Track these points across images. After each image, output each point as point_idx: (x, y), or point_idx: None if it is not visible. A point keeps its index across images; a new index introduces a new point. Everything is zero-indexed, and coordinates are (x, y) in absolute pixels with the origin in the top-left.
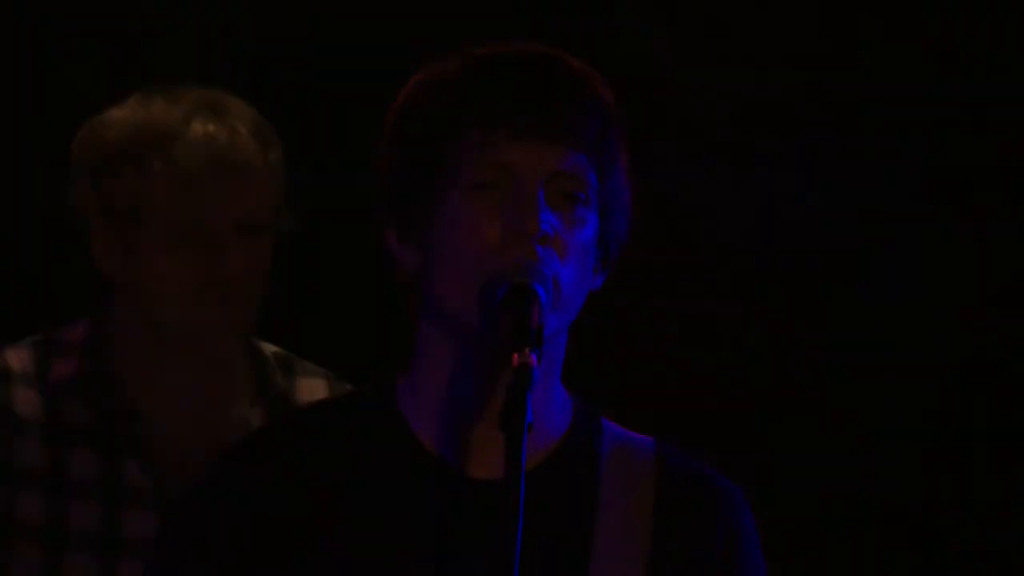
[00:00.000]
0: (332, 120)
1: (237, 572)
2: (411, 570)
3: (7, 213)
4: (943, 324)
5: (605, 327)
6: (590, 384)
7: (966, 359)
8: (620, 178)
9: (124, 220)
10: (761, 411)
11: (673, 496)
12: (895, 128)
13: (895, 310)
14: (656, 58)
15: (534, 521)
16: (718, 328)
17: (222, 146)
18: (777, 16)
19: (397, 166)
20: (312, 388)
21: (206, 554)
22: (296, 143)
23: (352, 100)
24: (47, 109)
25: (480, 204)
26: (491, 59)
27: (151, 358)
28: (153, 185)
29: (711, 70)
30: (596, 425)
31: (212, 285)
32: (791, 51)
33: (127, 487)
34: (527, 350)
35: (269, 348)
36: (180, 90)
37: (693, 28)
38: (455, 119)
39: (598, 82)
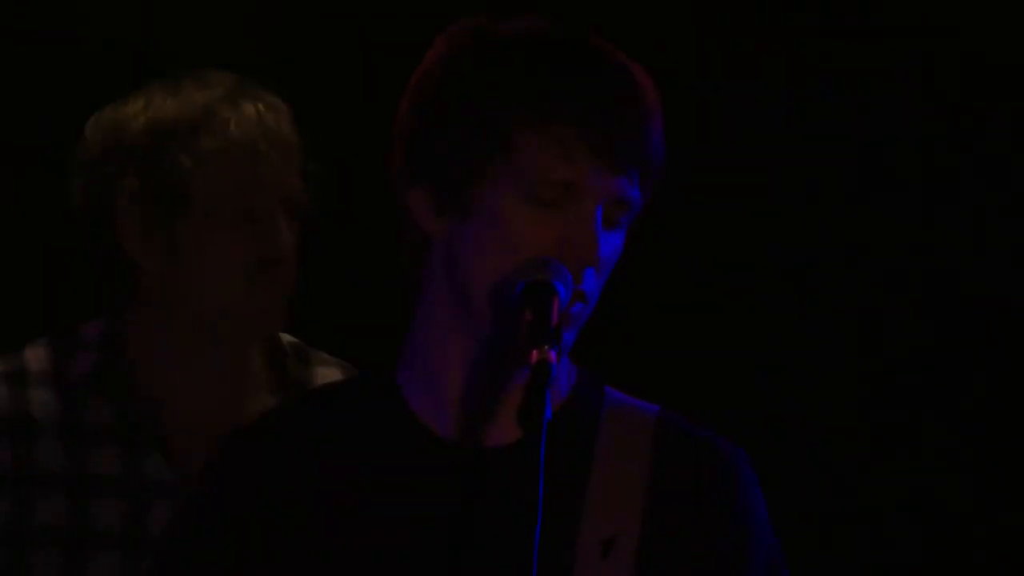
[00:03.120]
0: (337, 103)
1: (248, 549)
2: (419, 544)
3: (16, 212)
4: None
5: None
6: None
7: None
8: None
9: (169, 204)
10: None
11: (670, 458)
12: None
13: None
14: None
15: (526, 483)
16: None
17: (271, 124)
18: None
19: (444, 133)
20: (328, 376)
21: (218, 531)
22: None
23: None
24: (59, 106)
25: (536, 214)
26: (570, 52)
27: (171, 352)
28: (203, 163)
29: None
30: (598, 392)
31: (263, 264)
32: None
33: (150, 482)
34: (547, 347)
35: (285, 338)
36: (206, 75)
37: None
38: (514, 113)
39: (656, 99)
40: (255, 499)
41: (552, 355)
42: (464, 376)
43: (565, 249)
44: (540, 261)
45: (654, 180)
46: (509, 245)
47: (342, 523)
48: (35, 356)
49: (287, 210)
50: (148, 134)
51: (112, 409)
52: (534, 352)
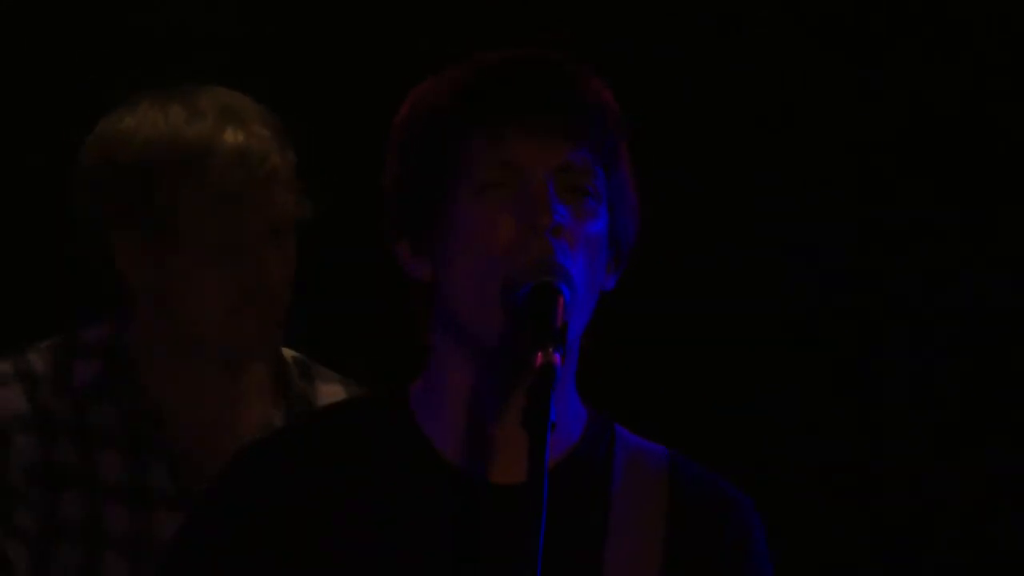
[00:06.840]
0: (345, 128)
1: (253, 568)
2: (425, 572)
3: (19, 215)
4: None
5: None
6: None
7: None
8: (625, 177)
9: (156, 234)
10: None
11: (686, 505)
12: None
13: None
14: None
15: (547, 525)
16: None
17: (254, 156)
18: None
19: (406, 176)
20: (330, 393)
21: (224, 550)
22: (313, 148)
23: (363, 105)
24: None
25: (490, 203)
26: (494, 63)
27: (171, 364)
28: (190, 200)
29: None
30: (609, 433)
31: (253, 294)
32: None
33: (154, 489)
34: (551, 349)
35: (288, 352)
36: (196, 95)
37: None
38: (460, 122)
39: (599, 82)
40: (262, 514)
41: (556, 357)
42: (474, 405)
43: (522, 225)
44: (541, 264)
45: (612, 144)
46: (477, 243)
47: (347, 544)
48: (39, 359)
49: (274, 236)
50: (138, 166)
51: (118, 413)
52: (539, 354)
